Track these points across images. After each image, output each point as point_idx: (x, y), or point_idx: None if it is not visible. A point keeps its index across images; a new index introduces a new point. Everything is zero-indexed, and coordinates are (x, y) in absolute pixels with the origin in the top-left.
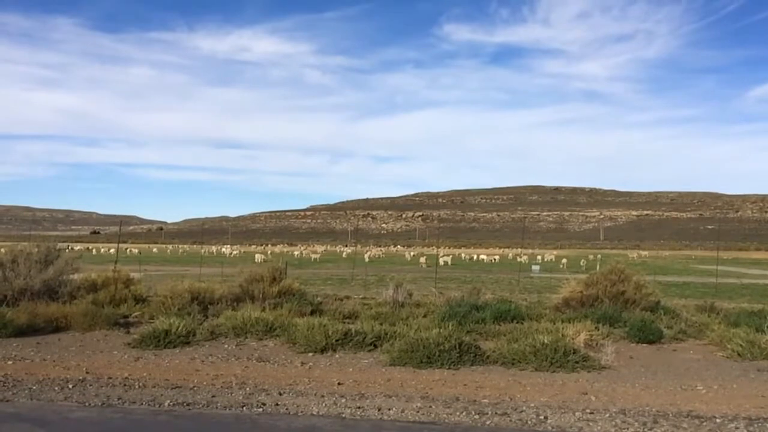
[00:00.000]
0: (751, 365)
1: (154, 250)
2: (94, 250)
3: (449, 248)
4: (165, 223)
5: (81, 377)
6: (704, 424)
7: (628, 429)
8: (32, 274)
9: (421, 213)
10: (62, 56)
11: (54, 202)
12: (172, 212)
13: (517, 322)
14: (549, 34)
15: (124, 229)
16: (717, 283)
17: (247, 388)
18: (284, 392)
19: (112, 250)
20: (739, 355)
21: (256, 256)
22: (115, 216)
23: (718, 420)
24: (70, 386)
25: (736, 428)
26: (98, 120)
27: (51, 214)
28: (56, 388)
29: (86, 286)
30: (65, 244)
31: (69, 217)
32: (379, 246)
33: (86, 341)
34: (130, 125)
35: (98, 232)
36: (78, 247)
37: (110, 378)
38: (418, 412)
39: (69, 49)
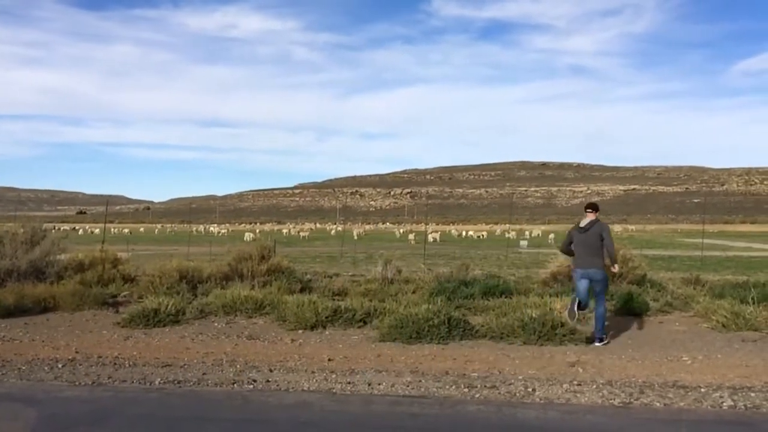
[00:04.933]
0: (736, 336)
1: (141, 229)
2: (80, 230)
3: (438, 225)
4: (152, 202)
5: (70, 357)
6: (689, 393)
7: (614, 400)
8: (18, 254)
9: (409, 190)
10: (45, 34)
11: (39, 182)
12: (158, 191)
13: (506, 297)
14: (538, 9)
15: (111, 208)
16: (703, 256)
17: (238, 366)
18: (275, 369)
19: (97, 230)
20: (723, 326)
21: (246, 234)
22: (101, 196)
23: (702, 390)
24: (60, 366)
25: (721, 397)
26: (82, 99)
27: (36, 194)
28: (46, 368)
29: (74, 266)
30: (51, 225)
31: (54, 198)
32: (368, 223)
33: (75, 321)
34: (115, 104)
35: (84, 212)
36: (64, 227)
37: (100, 357)
38: (408, 386)
39: (52, 27)
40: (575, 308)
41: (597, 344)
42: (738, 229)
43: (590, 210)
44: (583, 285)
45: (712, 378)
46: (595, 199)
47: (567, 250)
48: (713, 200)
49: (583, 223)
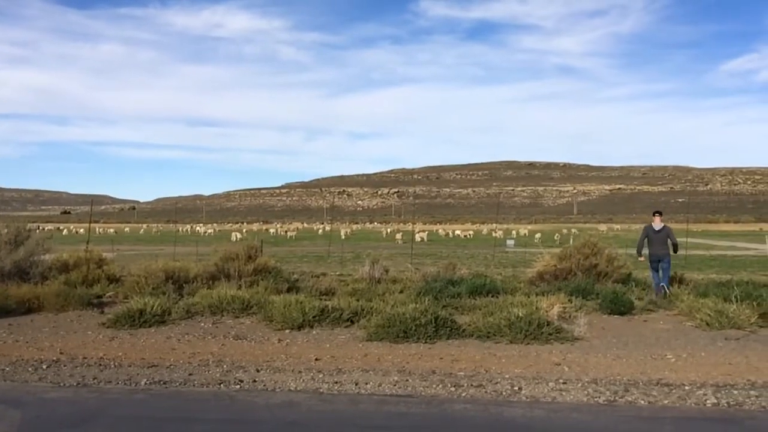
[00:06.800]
0: (719, 334)
1: (127, 229)
2: (65, 231)
3: (425, 224)
4: (137, 202)
5: (55, 358)
6: (673, 391)
7: (599, 398)
8: (2, 255)
9: (396, 189)
10: (31, 33)
11: (23, 181)
12: (144, 191)
13: (492, 296)
14: (525, 9)
15: (96, 208)
16: (686, 254)
17: (225, 366)
18: (262, 369)
19: (82, 231)
20: (707, 324)
21: (233, 234)
22: (86, 195)
23: (686, 387)
24: (45, 367)
25: (704, 395)
26: (68, 98)
27: (20, 194)
28: (30, 369)
29: (58, 266)
30: (35, 225)
31: (38, 197)
32: (355, 223)
33: (59, 322)
34: (101, 103)
35: (69, 212)
36: (49, 227)
37: (85, 358)
38: (395, 385)
39: (38, 26)
40: (660, 288)
41: (667, 290)
42: (721, 228)
43: (659, 214)
44: (656, 266)
45: (695, 376)
46: (581, 198)
47: (642, 247)
48: (697, 200)
49: (657, 227)
